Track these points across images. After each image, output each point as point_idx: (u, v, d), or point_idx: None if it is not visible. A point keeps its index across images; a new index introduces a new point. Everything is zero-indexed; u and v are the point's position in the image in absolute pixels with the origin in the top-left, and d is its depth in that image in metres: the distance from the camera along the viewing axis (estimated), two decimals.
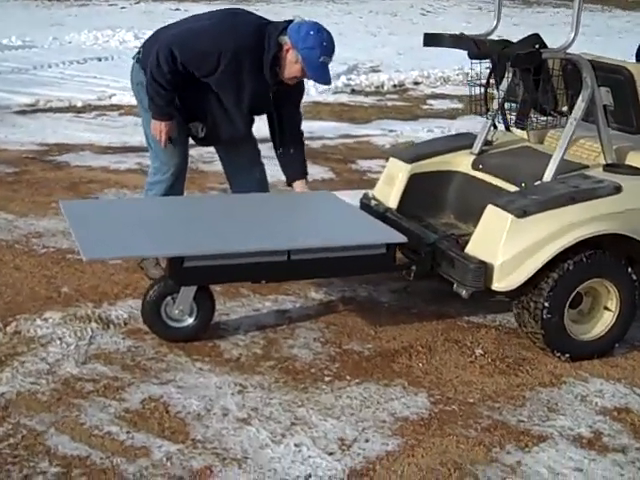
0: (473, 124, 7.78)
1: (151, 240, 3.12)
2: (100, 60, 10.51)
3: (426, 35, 4.02)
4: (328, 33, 3.62)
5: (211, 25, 3.68)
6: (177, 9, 16.40)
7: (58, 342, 3.31)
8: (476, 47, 3.67)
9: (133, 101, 8.05)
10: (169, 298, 3.31)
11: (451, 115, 8.29)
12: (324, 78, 3.70)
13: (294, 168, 3.95)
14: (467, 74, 9.99)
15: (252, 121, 3.92)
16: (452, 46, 3.95)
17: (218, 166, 6.14)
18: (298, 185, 3.93)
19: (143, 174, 5.85)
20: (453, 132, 7.50)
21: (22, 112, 7.78)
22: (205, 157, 6.37)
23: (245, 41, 3.60)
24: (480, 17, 17.85)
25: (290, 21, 3.68)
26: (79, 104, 8.14)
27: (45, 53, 10.83)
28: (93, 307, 3.64)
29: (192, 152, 6.47)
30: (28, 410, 2.84)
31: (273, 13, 16.24)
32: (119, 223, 3.29)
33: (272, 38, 3.59)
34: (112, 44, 11.82)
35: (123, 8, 16.47)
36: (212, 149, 6.59)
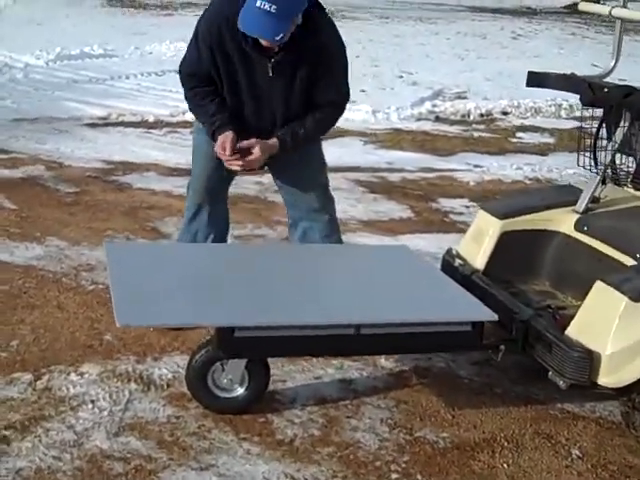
0: (564, 161, 7.26)
1: (198, 303, 2.71)
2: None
3: (530, 74, 3.53)
4: None
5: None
6: None
7: (90, 406, 2.92)
8: (592, 92, 3.15)
9: None
10: (218, 364, 2.89)
11: (542, 151, 7.70)
12: (247, 25, 2.96)
13: (284, 129, 3.25)
14: (560, 105, 9.45)
15: (276, 118, 3.26)
16: (561, 88, 3.47)
17: None
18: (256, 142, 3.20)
19: None
20: (545, 170, 6.97)
21: (92, 125, 7.55)
22: (275, 186, 5.97)
23: (218, 11, 3.13)
24: (574, 43, 17.12)
25: None
26: (151, 119, 7.87)
27: (124, 63, 10.66)
28: (135, 362, 3.25)
29: (262, 179, 6.15)
30: None
31: (359, 30, 15.85)
32: (165, 277, 2.89)
33: None
34: None
35: None
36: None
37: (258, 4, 2.90)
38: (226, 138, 3.18)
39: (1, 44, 10.64)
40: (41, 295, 3.80)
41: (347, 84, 3.34)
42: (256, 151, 3.18)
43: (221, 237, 3.61)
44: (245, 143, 3.18)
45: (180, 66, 3.34)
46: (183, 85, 3.32)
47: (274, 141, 3.22)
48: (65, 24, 13.61)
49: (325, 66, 3.18)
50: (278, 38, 2.98)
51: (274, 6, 2.89)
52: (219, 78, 3.22)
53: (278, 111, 3.26)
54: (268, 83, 3.18)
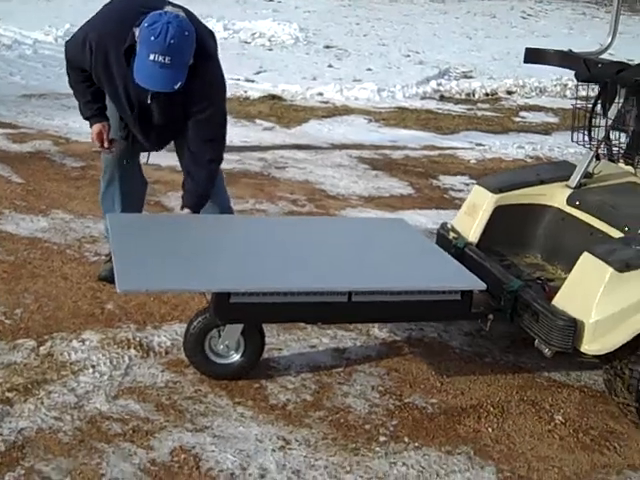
0: (566, 140, 7.25)
1: (196, 270, 2.79)
2: None
3: (528, 50, 3.59)
4: (167, 27, 2.92)
5: (96, 13, 3.30)
6: (271, 0, 16.17)
7: (91, 370, 3.02)
8: (587, 68, 3.21)
9: None
10: (215, 331, 2.99)
11: (545, 130, 7.76)
12: (145, 80, 3.01)
13: (186, 196, 3.33)
14: (565, 85, 9.45)
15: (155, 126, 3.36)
16: (558, 64, 3.53)
17: (291, 173, 5.88)
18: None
19: None
20: (546, 149, 7.02)
21: None
22: (278, 162, 6.07)
23: (107, 28, 3.17)
24: (584, 23, 17.06)
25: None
26: None
27: None
28: (135, 330, 3.34)
29: (265, 156, 6.23)
30: (46, 452, 2.56)
31: (367, 9, 15.84)
32: (165, 246, 2.97)
33: (134, 27, 3.04)
34: None
35: None
36: (286, 153, 6.36)
37: (152, 58, 2.92)
38: (103, 129, 3.36)
39: (10, 20, 10.72)
40: (45, 266, 3.90)
41: (224, 123, 3.33)
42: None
43: (138, 204, 3.75)
44: None
45: (67, 43, 3.36)
46: (65, 58, 3.37)
47: (186, 211, 3.29)
48: (73, 0, 13.65)
49: (205, 104, 3.21)
50: (177, 87, 3.02)
51: (168, 57, 2.93)
52: (98, 80, 3.28)
53: (158, 126, 3.36)
54: (146, 106, 3.24)
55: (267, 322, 3.05)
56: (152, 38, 2.92)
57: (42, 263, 3.91)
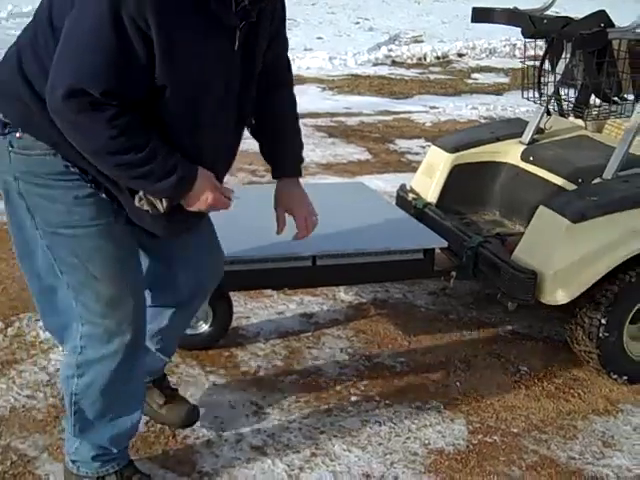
0: (518, 100, 7.37)
1: None
2: None
3: (475, 10, 3.62)
4: None
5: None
6: None
7: (61, 348, 2.98)
8: (532, 25, 3.26)
9: None
10: None
11: (497, 90, 7.85)
12: None
13: (282, 157, 2.34)
14: (514, 45, 9.54)
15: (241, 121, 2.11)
16: (505, 22, 3.55)
17: (247, 144, 5.83)
18: (285, 185, 2.36)
19: None
20: (499, 109, 7.11)
21: None
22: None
23: None
24: None
25: None
26: None
27: None
28: None
29: None
30: (21, 430, 2.56)
31: None
32: None
33: None
34: None
35: None
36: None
37: None
38: (212, 177, 1.99)
39: None
40: (6, 248, 3.85)
41: None
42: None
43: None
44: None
45: (73, 84, 1.72)
46: (86, 120, 1.76)
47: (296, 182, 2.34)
48: None
49: (282, 15, 2.10)
50: None
51: None
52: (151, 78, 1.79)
53: (236, 108, 2.01)
54: (231, 65, 1.91)
55: (234, 290, 3.07)
56: None
57: (3, 245, 3.87)
